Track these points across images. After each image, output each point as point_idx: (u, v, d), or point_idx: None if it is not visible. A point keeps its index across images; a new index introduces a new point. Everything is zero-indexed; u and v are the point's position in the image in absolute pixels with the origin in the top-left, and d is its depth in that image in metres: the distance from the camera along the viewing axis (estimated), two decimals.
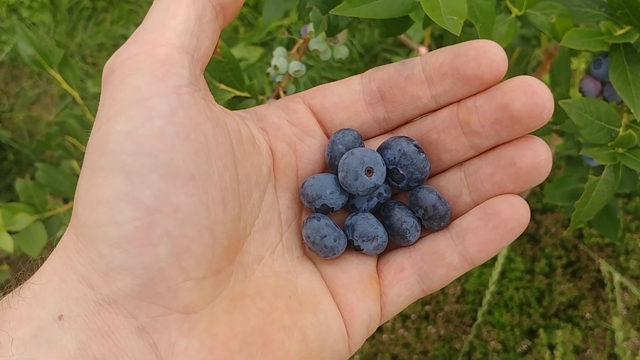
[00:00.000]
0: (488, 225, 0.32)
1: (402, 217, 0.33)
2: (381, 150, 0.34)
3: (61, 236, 0.30)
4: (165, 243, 0.27)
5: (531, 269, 1.20)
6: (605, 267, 1.09)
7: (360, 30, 1.59)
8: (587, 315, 1.15)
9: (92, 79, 1.53)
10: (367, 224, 0.33)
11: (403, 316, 1.19)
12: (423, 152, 0.33)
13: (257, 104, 0.51)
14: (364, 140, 0.36)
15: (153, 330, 0.27)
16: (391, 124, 0.35)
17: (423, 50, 1.14)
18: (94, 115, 0.84)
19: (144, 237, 0.27)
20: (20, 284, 0.29)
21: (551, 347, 1.11)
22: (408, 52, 1.50)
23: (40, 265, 0.29)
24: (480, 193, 0.33)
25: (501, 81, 0.32)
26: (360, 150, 0.33)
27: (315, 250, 0.33)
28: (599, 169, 0.50)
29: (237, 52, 1.46)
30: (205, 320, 0.28)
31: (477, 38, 0.40)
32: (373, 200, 0.35)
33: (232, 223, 0.30)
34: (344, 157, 0.33)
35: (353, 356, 1.14)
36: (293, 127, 0.35)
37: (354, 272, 0.34)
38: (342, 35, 0.49)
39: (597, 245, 1.21)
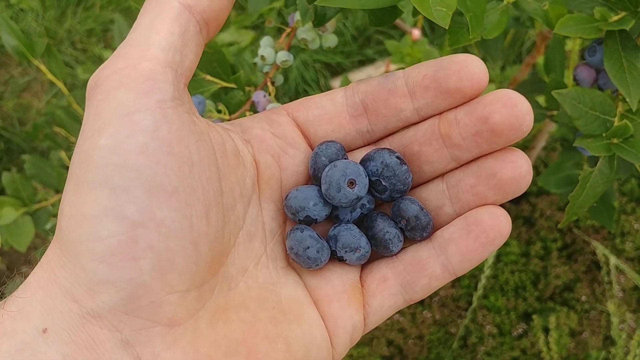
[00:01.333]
0: (470, 236, 0.32)
1: (385, 228, 0.34)
2: (364, 162, 0.35)
3: (44, 250, 0.29)
4: (149, 257, 0.27)
5: (526, 252, 1.20)
6: (600, 250, 1.09)
7: (352, 12, 1.57)
8: (583, 298, 1.15)
9: (82, 65, 1.51)
10: (350, 235, 0.34)
11: None
12: (405, 163, 0.34)
13: (245, 95, 0.50)
14: (348, 151, 0.36)
15: (137, 343, 0.27)
16: (374, 136, 0.35)
17: (416, 32, 1.13)
18: (81, 106, 0.82)
19: (128, 251, 0.27)
20: (4, 297, 0.29)
21: (547, 331, 1.11)
22: (401, 34, 1.48)
23: (25, 279, 0.29)
24: (462, 204, 0.33)
25: (484, 93, 0.32)
26: (343, 163, 0.33)
27: (298, 262, 0.33)
28: (594, 158, 0.49)
29: (228, 35, 1.44)
30: (189, 332, 0.28)
31: (468, 27, 0.39)
32: (356, 211, 0.35)
33: (215, 236, 0.30)
34: (326, 169, 0.33)
35: None
36: (277, 139, 0.35)
37: (338, 282, 0.34)
38: (330, 24, 0.48)
39: (592, 227, 1.20)
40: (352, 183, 0.33)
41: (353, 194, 0.33)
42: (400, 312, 1.17)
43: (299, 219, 0.34)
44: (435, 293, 1.18)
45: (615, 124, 0.42)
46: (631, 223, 1.19)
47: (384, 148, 0.34)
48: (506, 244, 1.20)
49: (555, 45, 0.64)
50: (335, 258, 0.34)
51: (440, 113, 0.33)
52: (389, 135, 0.35)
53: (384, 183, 0.34)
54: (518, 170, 0.32)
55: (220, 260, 0.31)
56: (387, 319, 1.15)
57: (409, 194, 0.35)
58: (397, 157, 0.34)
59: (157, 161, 0.28)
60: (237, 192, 0.32)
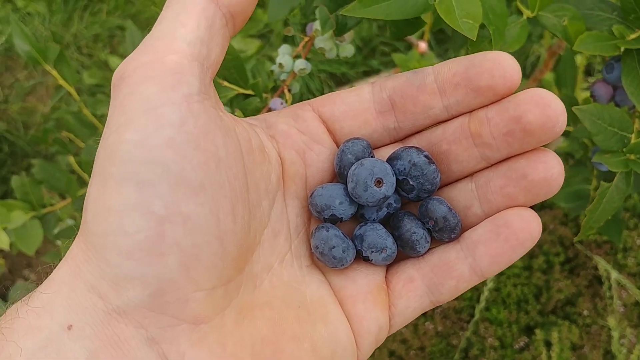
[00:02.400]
0: (499, 238, 0.31)
1: (412, 228, 0.33)
2: (391, 160, 0.34)
3: (69, 246, 0.29)
4: (175, 253, 0.27)
5: (529, 265, 1.20)
6: (602, 264, 1.09)
7: (359, 24, 1.57)
8: (585, 312, 1.15)
9: (88, 70, 1.52)
10: (376, 235, 0.33)
11: None
12: (433, 163, 0.33)
13: (262, 102, 0.50)
14: (374, 149, 0.35)
15: (162, 340, 0.27)
16: (401, 134, 0.35)
17: (422, 45, 1.13)
18: (91, 112, 0.82)
19: (154, 246, 0.27)
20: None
21: (548, 344, 1.11)
22: (406, 46, 1.49)
23: (50, 274, 0.29)
24: (491, 205, 0.33)
25: (515, 93, 0.31)
26: (370, 161, 0.33)
27: (323, 261, 0.33)
28: (606, 174, 0.49)
29: (234, 44, 1.45)
30: (214, 330, 0.28)
31: (489, 40, 0.39)
32: (382, 210, 0.35)
33: (241, 232, 0.30)
34: (353, 167, 0.33)
35: None
36: (302, 135, 0.34)
37: (363, 282, 0.33)
38: (349, 34, 0.49)
39: (595, 242, 1.21)
40: (379, 182, 0.32)
41: (380, 194, 0.33)
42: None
43: (324, 218, 0.34)
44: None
45: (632, 140, 0.43)
46: (634, 239, 1.19)
47: (412, 146, 0.34)
48: None
49: (566, 61, 0.65)
50: (361, 258, 0.34)
51: (471, 111, 0.33)
52: (417, 132, 0.35)
53: (411, 182, 0.33)
54: (550, 172, 0.31)
55: (246, 258, 0.31)
56: None
57: (436, 194, 0.35)
58: (425, 156, 0.33)
59: (184, 156, 0.27)
60: (262, 189, 0.32)
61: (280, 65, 0.49)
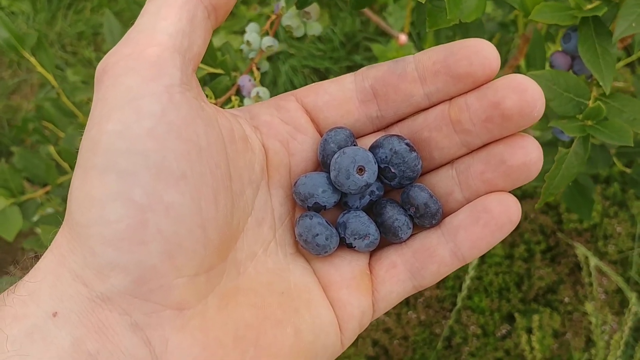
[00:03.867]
0: (479, 223, 0.32)
1: (394, 215, 0.34)
2: (373, 149, 0.35)
3: (54, 235, 0.30)
4: (158, 241, 0.27)
5: (510, 254, 1.21)
6: (581, 251, 1.10)
7: (341, 19, 1.59)
8: (566, 299, 1.16)
9: (72, 67, 1.52)
10: (359, 222, 0.34)
11: None
12: (415, 150, 0.34)
13: (231, 80, 0.51)
14: (357, 138, 0.36)
15: (146, 326, 0.27)
16: (384, 122, 0.35)
17: (403, 37, 1.15)
18: (70, 99, 0.83)
19: (136, 235, 0.27)
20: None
21: (530, 332, 1.12)
22: (388, 40, 1.50)
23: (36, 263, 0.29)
24: (471, 191, 0.33)
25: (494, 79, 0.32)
26: (352, 149, 0.33)
27: (307, 248, 0.34)
28: (570, 144, 0.50)
29: (217, 40, 1.46)
30: (198, 316, 0.29)
31: (446, 11, 0.40)
32: (365, 198, 0.35)
33: (224, 220, 0.30)
34: (335, 156, 0.33)
35: None
36: (286, 126, 0.35)
37: (347, 268, 0.34)
38: (315, 11, 0.49)
39: (575, 230, 1.22)
40: (361, 170, 0.33)
41: (362, 181, 0.33)
42: (385, 312, 1.18)
43: (307, 206, 0.34)
44: (420, 294, 1.19)
45: (589, 106, 0.44)
46: (614, 226, 1.21)
47: (393, 135, 0.34)
48: None
49: (535, 42, 0.66)
50: (345, 245, 0.34)
51: (451, 98, 0.33)
52: (399, 121, 0.35)
53: (393, 170, 0.34)
54: (528, 157, 0.31)
55: (229, 246, 0.31)
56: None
57: (418, 181, 0.35)
58: (407, 144, 0.33)
59: (165, 146, 0.28)
60: (245, 178, 0.32)
61: (248, 42, 0.50)
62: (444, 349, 1.16)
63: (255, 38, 0.50)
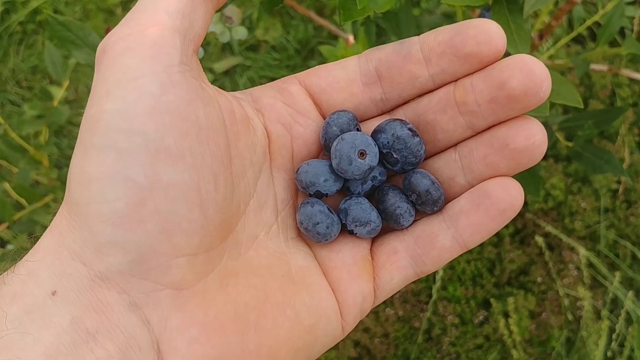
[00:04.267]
0: (480, 208, 0.32)
1: (396, 202, 0.34)
2: (375, 134, 0.34)
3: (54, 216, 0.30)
4: (156, 220, 0.27)
5: None
6: (545, 228, 1.11)
7: (294, 27, 1.59)
8: (539, 279, 1.17)
9: (29, 102, 1.51)
10: (360, 209, 0.34)
11: None
12: (417, 135, 0.33)
13: None
14: (361, 121, 0.35)
15: (145, 305, 0.28)
16: (388, 105, 0.35)
17: (350, 37, 1.15)
18: (18, 134, 0.82)
19: (134, 213, 0.27)
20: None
21: (507, 315, 1.13)
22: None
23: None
24: (474, 175, 0.33)
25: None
26: (350, 135, 0.33)
27: (308, 236, 0.34)
28: None
29: None
30: (197, 296, 0.29)
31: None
32: (367, 183, 0.35)
33: (224, 201, 0.30)
34: (335, 143, 0.33)
35: None
36: (288, 108, 0.35)
37: (348, 254, 0.34)
38: (236, 15, 0.50)
39: (541, 210, 1.23)
40: (362, 154, 0.33)
41: (365, 165, 0.33)
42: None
43: (309, 193, 0.34)
44: None
45: None
46: (578, 202, 1.22)
47: (396, 119, 0.34)
48: None
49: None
50: (346, 231, 0.34)
51: (456, 80, 0.33)
52: (404, 103, 0.35)
53: (395, 155, 0.34)
54: (532, 139, 0.31)
55: (229, 227, 0.31)
56: None
57: (422, 164, 0.35)
58: (409, 129, 0.33)
59: (164, 125, 0.28)
60: (247, 159, 0.32)
61: None
62: (425, 341, 1.16)
63: None
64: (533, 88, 0.30)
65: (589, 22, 0.80)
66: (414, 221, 0.34)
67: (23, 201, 0.86)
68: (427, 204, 0.33)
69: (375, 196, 0.35)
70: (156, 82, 0.28)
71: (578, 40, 1.39)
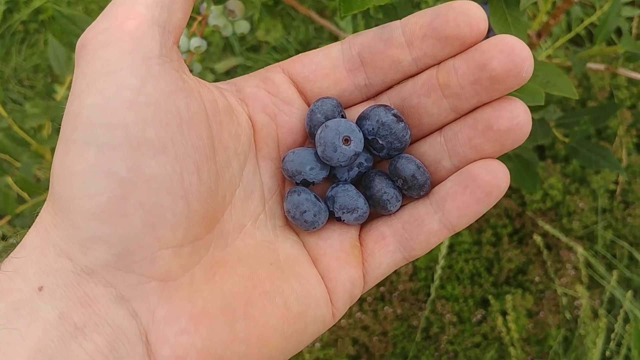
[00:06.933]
0: (466, 191, 0.32)
1: (383, 188, 0.34)
2: (360, 120, 0.34)
3: (39, 212, 0.30)
4: (140, 213, 0.27)
5: (478, 240, 1.23)
6: (544, 228, 1.12)
7: (295, 28, 1.60)
8: (537, 279, 1.18)
9: (31, 101, 1.52)
10: (347, 196, 0.34)
11: (359, 299, 1.20)
12: (402, 120, 0.33)
13: None
14: (346, 108, 0.35)
15: (132, 298, 0.28)
16: (373, 90, 0.35)
17: None
18: (22, 128, 0.83)
19: (118, 207, 0.27)
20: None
21: (504, 314, 1.14)
22: None
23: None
24: (460, 158, 0.33)
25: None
26: (334, 122, 0.33)
27: (296, 224, 0.34)
28: None
29: None
30: (184, 287, 0.29)
31: None
32: (354, 170, 0.35)
33: (208, 192, 0.30)
34: (319, 131, 0.33)
35: (314, 343, 1.15)
36: (272, 97, 0.35)
37: (336, 241, 0.34)
38: (239, 9, 0.51)
39: (539, 210, 1.24)
40: (347, 140, 0.33)
41: (350, 151, 0.33)
42: (361, 309, 1.19)
43: (296, 182, 0.34)
44: (394, 288, 1.20)
45: None
46: (576, 202, 1.23)
47: (380, 105, 0.34)
48: (458, 234, 1.22)
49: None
50: (334, 218, 0.34)
51: (439, 63, 0.33)
52: (388, 88, 0.35)
53: (380, 142, 0.34)
54: (515, 120, 0.31)
55: (215, 217, 0.31)
56: (350, 318, 1.17)
57: (408, 149, 0.35)
58: (394, 115, 0.33)
59: (144, 117, 0.28)
60: (231, 150, 0.32)
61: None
62: (423, 340, 1.17)
63: (183, 40, 0.51)
64: (514, 68, 0.30)
65: (586, 22, 0.81)
66: (402, 206, 0.35)
67: (25, 195, 0.87)
68: (414, 189, 0.33)
69: (362, 182, 0.35)
70: (135, 75, 0.28)
71: (576, 42, 1.40)
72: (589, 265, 1.18)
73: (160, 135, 0.28)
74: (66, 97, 1.03)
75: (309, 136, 0.35)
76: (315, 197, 0.34)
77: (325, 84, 0.35)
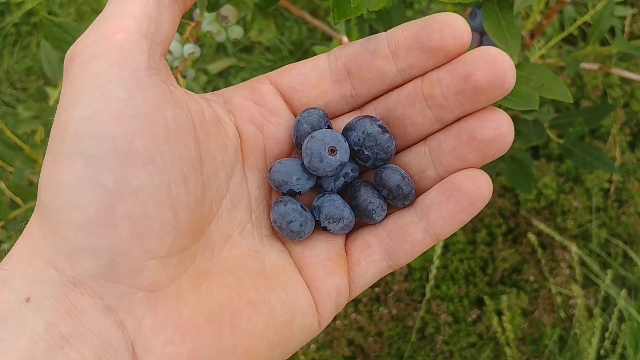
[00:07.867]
0: (450, 200, 0.32)
1: (368, 198, 0.34)
2: (346, 131, 0.35)
3: (26, 223, 0.30)
4: (127, 224, 0.27)
5: (473, 239, 1.23)
6: (538, 227, 1.12)
7: (288, 28, 1.60)
8: (531, 278, 1.18)
9: (23, 103, 1.51)
10: (333, 206, 0.34)
11: (354, 300, 1.20)
12: (387, 131, 0.34)
13: None
14: (332, 118, 0.36)
15: (119, 308, 0.28)
16: (359, 101, 0.35)
17: (344, 38, 1.16)
18: (14, 133, 0.83)
19: (105, 219, 0.27)
20: None
21: (500, 313, 1.14)
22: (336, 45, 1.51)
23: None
24: (444, 167, 0.33)
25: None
26: (320, 132, 0.33)
27: (282, 234, 0.34)
28: None
29: None
30: (171, 297, 0.29)
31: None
32: (340, 180, 0.35)
33: (195, 202, 0.30)
34: (305, 142, 0.33)
35: (309, 345, 1.14)
36: (259, 108, 0.35)
37: (322, 250, 0.34)
38: (232, 15, 0.50)
39: (534, 209, 1.24)
40: (333, 151, 0.33)
41: (336, 161, 0.33)
42: (357, 310, 1.19)
43: (282, 192, 0.34)
44: (389, 288, 1.20)
45: None
46: (570, 201, 1.23)
47: (366, 116, 0.34)
48: (453, 234, 1.22)
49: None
50: (320, 228, 0.35)
51: (424, 74, 0.33)
52: (374, 99, 0.35)
53: (366, 152, 0.34)
54: (498, 130, 0.31)
55: (201, 227, 0.31)
56: (345, 319, 1.17)
57: (394, 159, 0.35)
58: (379, 126, 0.34)
59: (132, 129, 0.28)
60: (218, 160, 0.33)
61: (170, 52, 0.51)
62: (419, 340, 1.17)
63: (177, 46, 0.51)
64: (497, 79, 0.30)
65: (579, 22, 0.81)
66: (387, 215, 0.35)
67: (18, 200, 0.86)
68: (399, 199, 0.34)
69: (347, 192, 0.36)
70: (123, 88, 0.28)
71: (570, 41, 1.40)
72: (583, 264, 1.18)
73: (148, 146, 0.28)
74: (58, 101, 1.03)
75: (296, 146, 0.35)
76: (302, 207, 0.34)
77: (312, 95, 0.35)
